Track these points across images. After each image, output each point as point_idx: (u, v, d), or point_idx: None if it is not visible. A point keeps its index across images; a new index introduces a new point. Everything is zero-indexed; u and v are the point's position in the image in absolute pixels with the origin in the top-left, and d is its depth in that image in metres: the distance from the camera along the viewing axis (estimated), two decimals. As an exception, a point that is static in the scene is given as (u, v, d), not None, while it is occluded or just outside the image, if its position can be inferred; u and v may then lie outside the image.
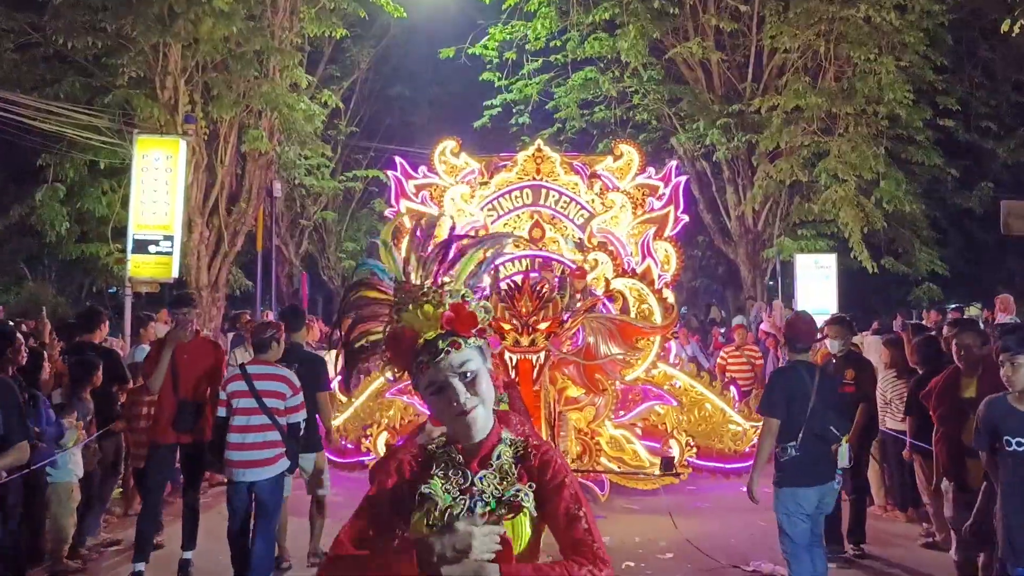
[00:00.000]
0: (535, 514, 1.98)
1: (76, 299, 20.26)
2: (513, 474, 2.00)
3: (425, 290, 2.00)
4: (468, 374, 1.96)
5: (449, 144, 10.14)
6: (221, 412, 5.77)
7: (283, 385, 5.80)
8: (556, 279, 7.87)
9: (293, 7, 14.64)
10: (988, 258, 20.63)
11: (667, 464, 8.20)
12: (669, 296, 8.79)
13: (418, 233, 2.10)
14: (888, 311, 19.75)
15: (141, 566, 6.02)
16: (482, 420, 1.99)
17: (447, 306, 1.97)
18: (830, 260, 15.62)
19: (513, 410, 4.47)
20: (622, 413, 8.68)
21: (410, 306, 1.97)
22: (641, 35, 15.67)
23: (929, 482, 7.18)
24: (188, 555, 6.27)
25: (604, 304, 8.44)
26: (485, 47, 18.14)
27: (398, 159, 10.34)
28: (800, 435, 5.07)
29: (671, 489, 8.33)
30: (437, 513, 1.95)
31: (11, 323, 7.54)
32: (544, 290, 7.19)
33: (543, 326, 7.10)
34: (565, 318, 7.30)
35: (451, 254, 2.07)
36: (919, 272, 17.71)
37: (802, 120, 14.95)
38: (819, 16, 14.44)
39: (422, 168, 10.12)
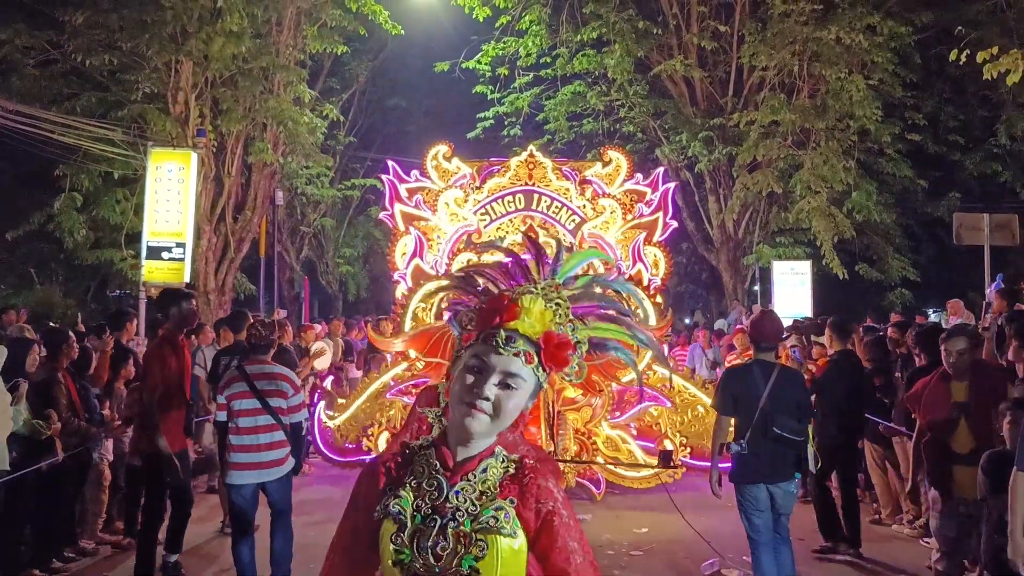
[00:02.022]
0: (515, 535, 1.79)
1: (82, 302, 20.99)
2: (495, 491, 1.82)
3: (563, 304, 1.88)
4: (509, 384, 1.80)
5: (442, 148, 10.21)
6: (222, 416, 5.62)
7: (284, 384, 5.68)
8: None
9: (296, 25, 15.40)
10: (959, 264, 21.46)
11: (665, 457, 8.30)
12: (659, 301, 9.02)
13: (608, 274, 2.12)
14: (866, 315, 20.60)
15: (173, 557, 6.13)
16: (481, 428, 1.80)
17: (560, 333, 1.85)
18: (805, 267, 16.45)
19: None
20: (618, 414, 8.87)
21: (541, 298, 1.86)
22: (627, 53, 16.47)
23: (878, 465, 8.00)
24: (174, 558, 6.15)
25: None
26: (478, 62, 18.91)
27: (390, 162, 10.45)
28: (748, 433, 5.19)
29: (668, 487, 8.31)
30: (406, 536, 1.78)
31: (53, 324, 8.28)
32: None
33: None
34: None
35: (606, 312, 1.98)
36: (892, 278, 18.55)
37: (778, 135, 15.74)
38: (794, 36, 15.23)
39: (414, 172, 10.18)
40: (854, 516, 6.95)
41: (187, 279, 12.94)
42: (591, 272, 2.06)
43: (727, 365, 12.01)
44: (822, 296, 18.80)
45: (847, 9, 14.87)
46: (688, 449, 8.93)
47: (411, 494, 1.81)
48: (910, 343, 6.75)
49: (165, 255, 12.85)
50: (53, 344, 6.08)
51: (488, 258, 7.61)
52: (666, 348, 10.23)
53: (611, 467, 8.65)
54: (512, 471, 1.85)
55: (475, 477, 1.82)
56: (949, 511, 5.06)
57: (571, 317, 1.88)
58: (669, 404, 9.08)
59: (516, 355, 1.79)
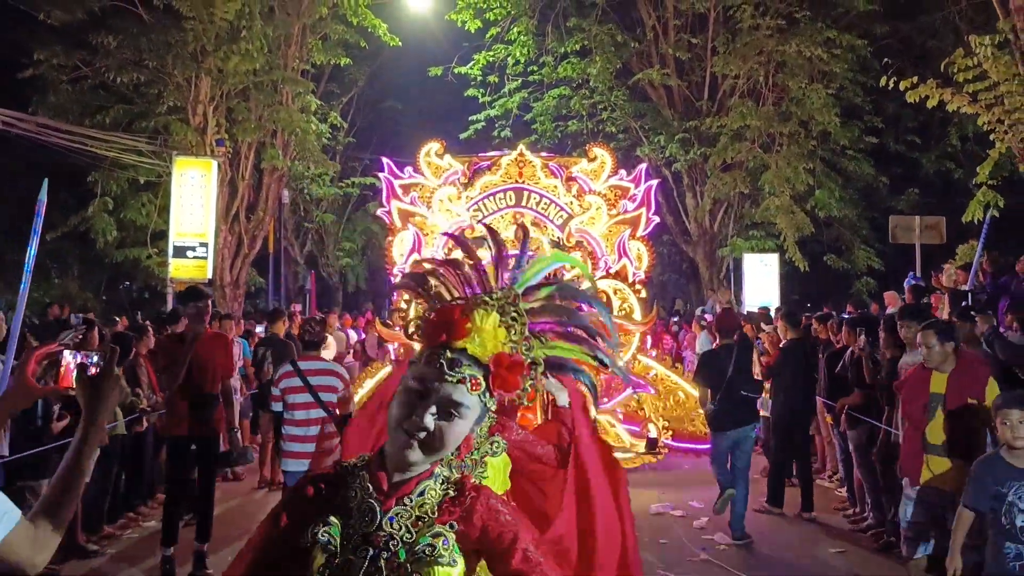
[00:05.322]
0: (455, 564, 1.62)
1: (97, 293, 22.32)
2: (433, 515, 1.64)
3: (519, 319, 1.67)
4: (452, 413, 1.62)
5: (434, 146, 10.66)
6: (277, 407, 6.02)
7: (335, 379, 6.05)
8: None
9: (302, 40, 16.72)
10: (921, 255, 22.79)
11: (651, 444, 9.32)
12: (643, 293, 9.96)
13: (576, 283, 1.85)
14: (836, 302, 21.97)
15: (170, 550, 6.19)
16: (418, 459, 1.64)
17: (513, 354, 1.64)
18: (772, 259, 17.80)
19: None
20: (605, 400, 9.52)
21: (496, 312, 1.65)
22: (608, 63, 17.82)
23: (816, 431, 9.32)
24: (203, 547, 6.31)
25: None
26: (470, 69, 20.21)
27: (385, 160, 11.08)
28: (719, 396, 7.15)
29: (651, 466, 9.26)
30: (336, 566, 1.62)
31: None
32: None
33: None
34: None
35: (567, 330, 1.75)
36: (858, 267, 19.91)
37: (746, 138, 17.09)
38: (760, 48, 16.58)
39: (408, 168, 10.62)
40: (807, 481, 8.04)
41: (210, 275, 14.30)
42: (557, 277, 1.87)
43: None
44: (793, 285, 20.20)
45: (808, 24, 16.22)
46: (670, 432, 9.78)
47: (341, 520, 1.64)
48: (832, 330, 8.24)
49: (190, 254, 14.21)
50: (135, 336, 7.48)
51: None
52: (649, 339, 10.80)
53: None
54: (453, 493, 1.68)
55: (411, 501, 1.65)
56: (919, 498, 5.10)
57: (527, 335, 1.68)
58: (652, 391, 9.98)
59: (461, 382, 1.61)
